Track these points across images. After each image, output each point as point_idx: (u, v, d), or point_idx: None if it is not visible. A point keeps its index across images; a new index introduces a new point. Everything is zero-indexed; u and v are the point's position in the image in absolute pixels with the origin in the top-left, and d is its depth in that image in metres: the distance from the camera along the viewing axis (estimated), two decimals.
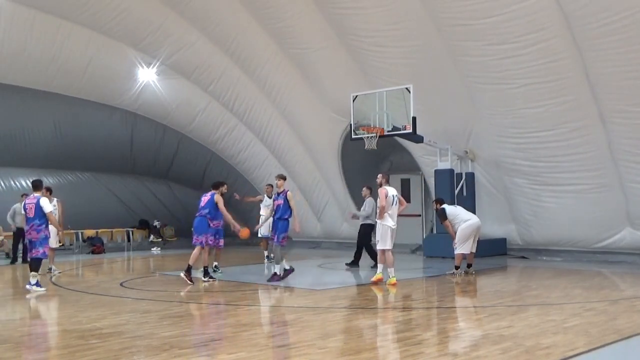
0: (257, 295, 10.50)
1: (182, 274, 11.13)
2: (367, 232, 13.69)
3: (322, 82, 17.44)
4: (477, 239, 12.06)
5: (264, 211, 15.67)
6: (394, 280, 10.55)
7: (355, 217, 14.29)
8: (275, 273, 11.16)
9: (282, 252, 11.19)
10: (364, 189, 13.96)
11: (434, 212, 12.65)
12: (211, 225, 11.67)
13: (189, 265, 11.13)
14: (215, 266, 12.87)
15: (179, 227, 22.60)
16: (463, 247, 11.76)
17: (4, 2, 15.86)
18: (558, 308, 8.20)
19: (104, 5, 16.56)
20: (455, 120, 15.52)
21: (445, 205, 12.18)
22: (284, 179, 11.57)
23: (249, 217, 20.34)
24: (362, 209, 13.92)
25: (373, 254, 12.86)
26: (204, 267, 11.44)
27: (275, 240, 11.11)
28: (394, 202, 10.68)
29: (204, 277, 11.30)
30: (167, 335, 6.71)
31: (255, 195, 17.71)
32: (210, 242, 11.85)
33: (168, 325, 7.34)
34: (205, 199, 11.55)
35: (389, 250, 10.65)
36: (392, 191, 10.77)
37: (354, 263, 13.69)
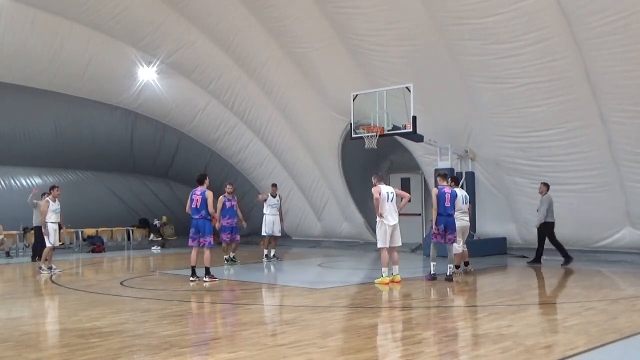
0: (257, 294, 10.50)
1: (206, 281, 11.08)
2: (548, 229, 13.58)
3: (322, 81, 17.43)
4: (465, 238, 12.11)
5: (268, 210, 15.60)
6: (387, 279, 10.56)
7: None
8: (432, 273, 11.16)
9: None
10: (541, 185, 13.71)
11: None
12: (224, 223, 13.61)
13: (207, 268, 11.22)
14: (233, 257, 14.35)
15: (179, 225, 22.60)
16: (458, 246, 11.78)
17: (5, 1, 15.85)
18: (558, 307, 8.20)
19: (104, 4, 16.56)
20: (455, 120, 15.51)
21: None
22: (445, 176, 11.78)
23: (249, 215, 20.35)
24: (539, 206, 13.68)
25: (562, 250, 13.26)
26: (206, 267, 11.42)
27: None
28: (390, 198, 10.70)
29: (206, 277, 11.28)
30: (167, 334, 6.71)
31: (254, 194, 17.71)
32: (226, 239, 14.07)
33: (168, 324, 7.35)
34: (196, 198, 11.25)
35: (384, 248, 10.66)
36: (386, 188, 10.82)
37: (537, 260, 13.64)
